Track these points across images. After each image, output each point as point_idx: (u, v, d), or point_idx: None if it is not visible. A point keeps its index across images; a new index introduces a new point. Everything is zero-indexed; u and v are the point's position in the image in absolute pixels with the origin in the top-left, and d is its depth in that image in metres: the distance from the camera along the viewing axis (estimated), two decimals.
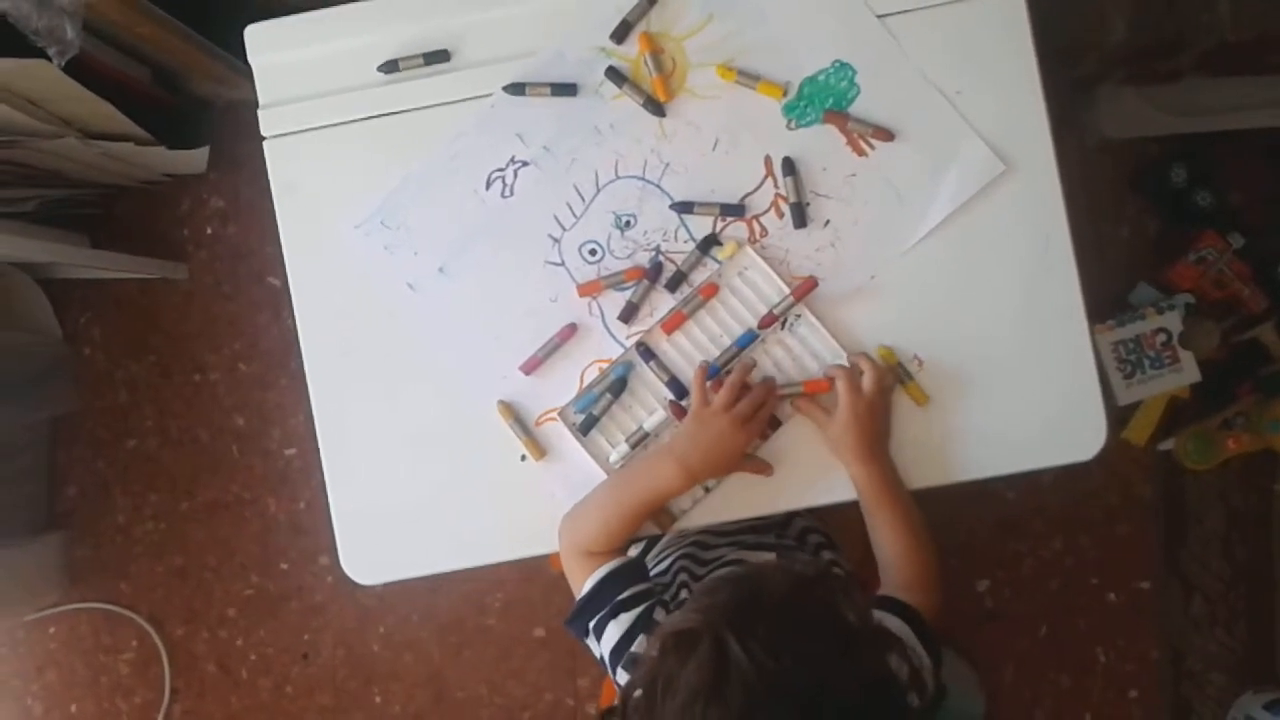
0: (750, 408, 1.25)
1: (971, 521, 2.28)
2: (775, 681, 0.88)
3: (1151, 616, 2.31)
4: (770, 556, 1.35)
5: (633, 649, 1.14)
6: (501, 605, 2.34)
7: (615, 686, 1.19)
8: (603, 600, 1.19)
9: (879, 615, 1.18)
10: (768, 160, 1.35)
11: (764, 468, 1.31)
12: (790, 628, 0.91)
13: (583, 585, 1.22)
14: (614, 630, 1.16)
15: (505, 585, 2.33)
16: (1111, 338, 2.14)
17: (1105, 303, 2.20)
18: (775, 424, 1.33)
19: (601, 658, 1.19)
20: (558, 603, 2.32)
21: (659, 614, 1.17)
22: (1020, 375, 1.32)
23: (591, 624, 1.19)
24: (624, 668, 1.15)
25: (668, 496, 1.26)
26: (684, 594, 1.27)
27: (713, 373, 1.31)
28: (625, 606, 1.17)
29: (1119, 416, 2.21)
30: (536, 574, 2.32)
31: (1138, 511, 2.30)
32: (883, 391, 1.28)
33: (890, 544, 1.26)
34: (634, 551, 1.35)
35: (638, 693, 0.96)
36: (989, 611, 2.31)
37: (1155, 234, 2.29)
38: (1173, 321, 2.14)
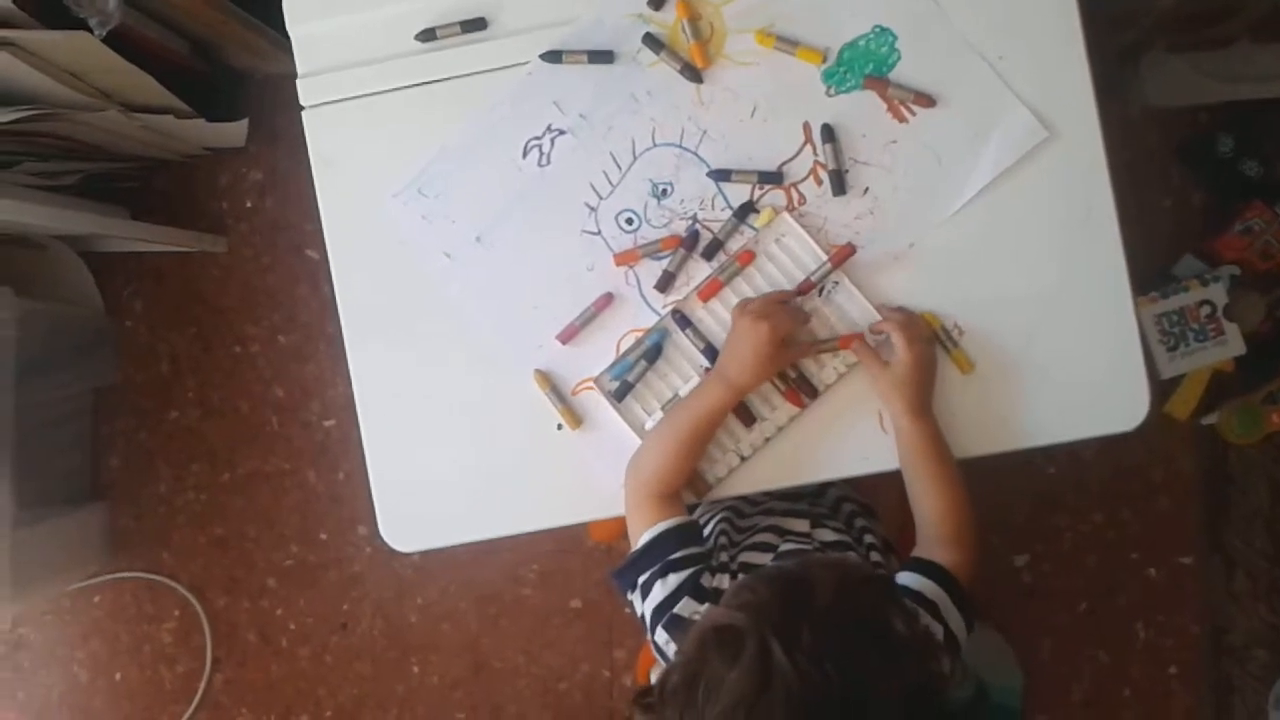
0: (767, 305, 1.27)
1: (1011, 496, 2.26)
2: (819, 691, 0.87)
3: (1193, 592, 2.28)
4: (804, 524, 1.34)
5: (675, 610, 1.15)
6: (538, 576, 2.34)
7: (650, 644, 1.19)
8: (655, 556, 1.19)
9: (914, 579, 1.19)
10: (806, 127, 1.34)
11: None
12: (836, 635, 0.90)
13: (640, 537, 1.22)
14: (660, 590, 1.17)
15: (542, 557, 2.34)
16: (1154, 310, 2.11)
17: (1148, 275, 2.17)
18: (813, 393, 1.33)
19: (642, 615, 1.20)
20: (595, 574, 2.32)
21: (706, 579, 1.17)
22: (1063, 344, 1.31)
23: (640, 579, 1.19)
24: (665, 628, 1.15)
25: (715, 412, 1.26)
26: (724, 556, 1.27)
27: None
28: (676, 567, 1.18)
29: (1162, 390, 2.18)
30: (574, 546, 2.32)
31: (1180, 486, 2.27)
32: (931, 343, 1.28)
33: (932, 500, 1.25)
34: None
35: (675, 678, 0.96)
36: (1027, 587, 2.29)
37: (1200, 205, 2.25)
38: (1217, 293, 2.10)
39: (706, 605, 1.15)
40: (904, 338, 1.24)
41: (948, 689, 0.99)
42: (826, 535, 1.34)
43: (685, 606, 1.15)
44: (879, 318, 1.31)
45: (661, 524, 1.21)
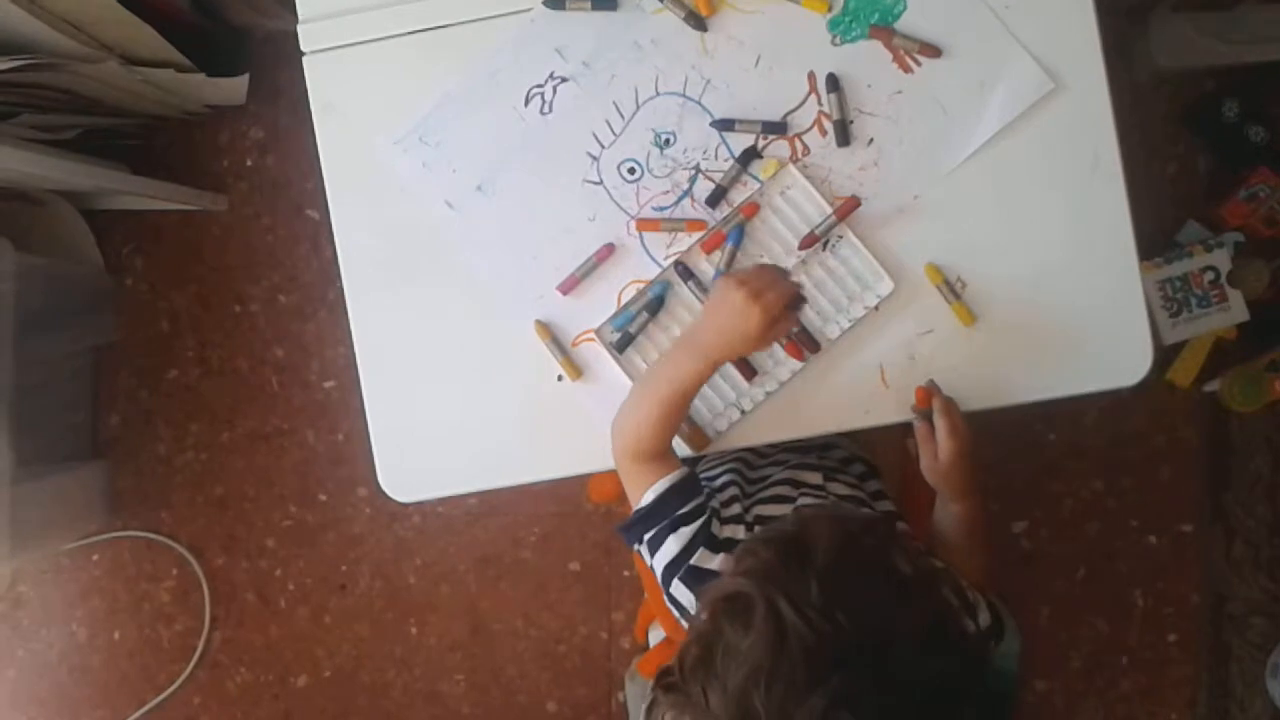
0: (761, 280, 1.17)
1: (1011, 462, 2.25)
2: (835, 643, 0.86)
3: (1193, 560, 2.28)
4: (817, 477, 1.34)
5: (692, 562, 1.15)
6: (537, 539, 2.34)
7: (665, 598, 1.19)
8: (662, 513, 1.18)
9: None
10: (811, 77, 1.33)
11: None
12: (843, 584, 0.90)
13: (641, 496, 1.20)
14: (674, 543, 1.16)
15: (541, 519, 2.34)
16: (1157, 275, 2.10)
17: (1152, 241, 2.16)
18: (815, 347, 1.32)
19: (652, 568, 1.19)
20: (593, 537, 2.33)
21: (716, 528, 1.18)
22: (1066, 298, 1.30)
23: (647, 536, 1.19)
24: (682, 580, 1.15)
25: (690, 383, 1.19)
26: (736, 507, 1.25)
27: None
28: (685, 520, 1.17)
29: (1163, 357, 2.18)
30: (573, 508, 2.33)
31: (1181, 454, 2.27)
32: (968, 427, 1.25)
33: (962, 565, 1.25)
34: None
35: (693, 653, 0.95)
36: (1026, 553, 2.29)
37: (1205, 171, 2.24)
38: (1221, 259, 2.10)
39: (722, 555, 1.15)
40: (946, 426, 1.23)
41: (962, 620, 0.99)
42: (840, 489, 1.34)
43: (701, 558, 1.15)
44: (881, 271, 1.30)
45: (663, 482, 1.20)
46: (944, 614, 0.95)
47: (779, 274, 1.21)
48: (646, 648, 1.83)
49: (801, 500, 1.30)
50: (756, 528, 1.21)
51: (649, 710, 1.03)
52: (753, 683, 0.87)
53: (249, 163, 2.38)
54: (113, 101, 2.08)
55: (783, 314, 1.18)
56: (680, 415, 1.23)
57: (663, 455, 1.24)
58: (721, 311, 1.18)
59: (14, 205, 2.22)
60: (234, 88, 2.19)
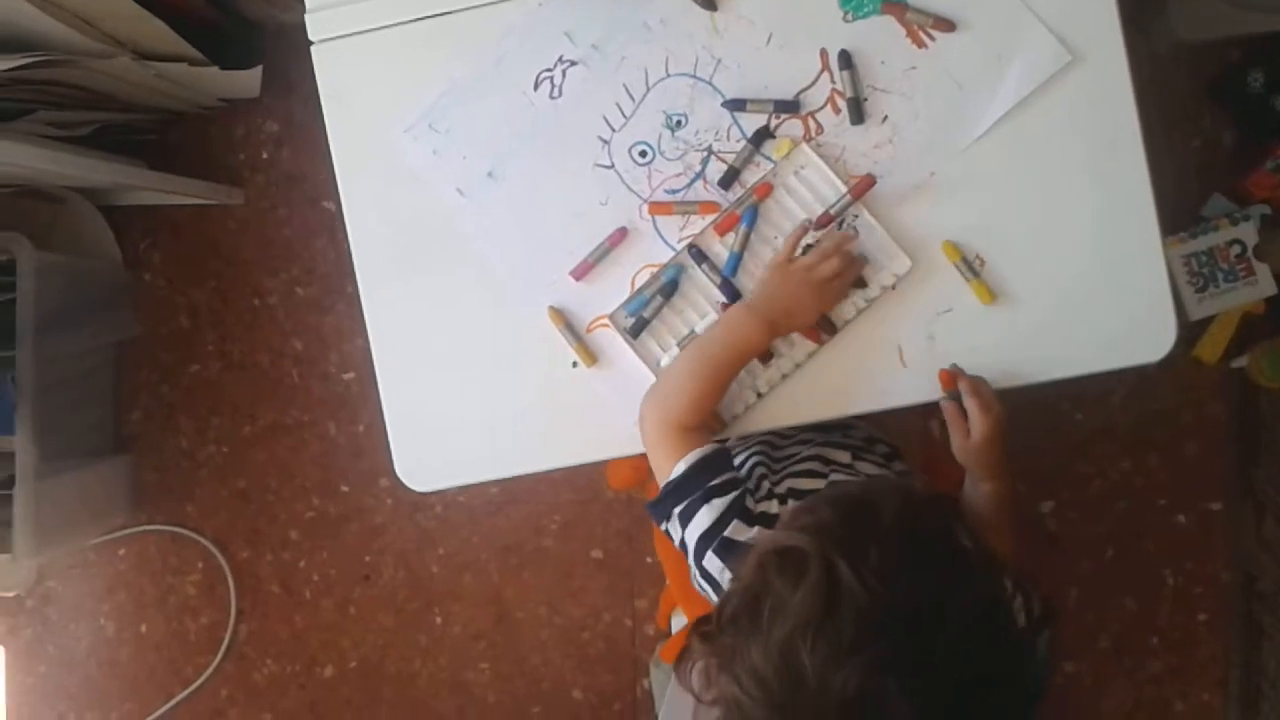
0: (831, 271, 1.24)
1: (1037, 442, 2.23)
2: (888, 609, 0.86)
3: (1222, 538, 2.25)
4: (846, 456, 1.33)
5: (726, 534, 1.13)
6: (559, 527, 2.34)
7: (694, 572, 1.18)
8: (694, 485, 1.17)
9: None
10: (823, 54, 1.31)
11: (825, 331, 1.30)
12: (903, 552, 0.90)
13: (672, 469, 1.19)
14: (707, 515, 1.15)
15: (562, 507, 2.34)
16: (1182, 250, 2.06)
17: (1176, 215, 2.12)
18: (831, 329, 1.30)
19: (683, 542, 1.18)
20: (615, 524, 2.32)
21: (750, 502, 1.16)
22: (1087, 273, 1.28)
23: (678, 509, 1.17)
24: (716, 552, 1.14)
25: (750, 352, 1.24)
26: (765, 485, 1.24)
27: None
28: (718, 492, 1.16)
29: (1190, 333, 2.15)
30: (593, 496, 2.32)
31: (1209, 431, 2.23)
32: (1001, 405, 1.24)
33: (992, 544, 1.25)
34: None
35: (734, 604, 0.94)
36: (1053, 534, 2.27)
37: (1230, 144, 2.20)
38: (1248, 233, 2.06)
39: (756, 529, 1.13)
40: (978, 404, 1.22)
41: (1013, 608, 0.98)
42: (868, 469, 1.33)
43: (735, 530, 1.13)
44: (898, 250, 1.29)
45: (697, 452, 1.19)
46: (998, 599, 0.94)
47: (843, 250, 1.26)
48: (669, 634, 1.83)
49: (834, 477, 1.29)
50: (790, 501, 1.20)
51: (680, 659, 1.02)
52: (800, 636, 0.86)
53: (264, 155, 2.38)
54: (126, 97, 2.08)
55: (842, 298, 1.28)
56: (728, 382, 1.25)
57: (699, 427, 1.23)
58: (787, 289, 1.24)
59: (32, 203, 2.23)
60: (247, 81, 2.19)
